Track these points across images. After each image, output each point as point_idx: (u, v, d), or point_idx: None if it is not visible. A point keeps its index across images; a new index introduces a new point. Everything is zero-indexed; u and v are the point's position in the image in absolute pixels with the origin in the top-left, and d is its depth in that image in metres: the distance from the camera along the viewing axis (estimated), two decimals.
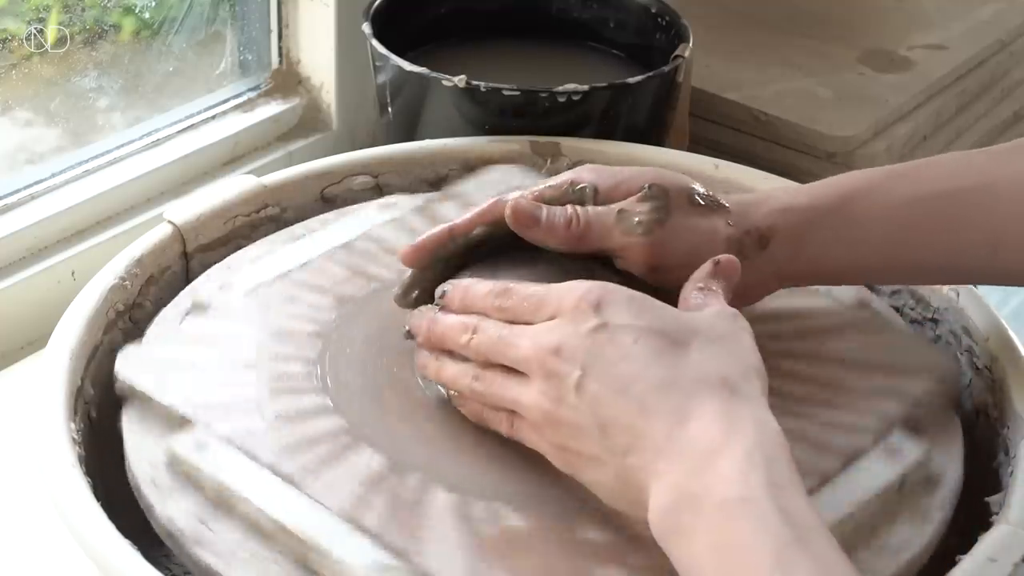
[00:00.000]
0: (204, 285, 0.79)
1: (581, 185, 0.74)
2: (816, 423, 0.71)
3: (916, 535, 0.67)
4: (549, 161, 0.93)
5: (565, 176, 0.75)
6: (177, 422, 0.70)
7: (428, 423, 0.70)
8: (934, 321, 0.82)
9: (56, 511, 0.66)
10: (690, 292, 0.68)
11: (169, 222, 0.83)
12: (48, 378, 0.72)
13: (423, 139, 0.95)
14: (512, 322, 0.66)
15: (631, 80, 0.95)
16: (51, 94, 0.99)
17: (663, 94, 0.99)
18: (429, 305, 0.71)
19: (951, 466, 0.71)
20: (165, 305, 0.78)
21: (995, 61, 1.27)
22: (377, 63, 0.99)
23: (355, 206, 0.87)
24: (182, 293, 0.79)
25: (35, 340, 0.88)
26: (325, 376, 0.73)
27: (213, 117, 1.06)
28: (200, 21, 1.06)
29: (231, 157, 1.07)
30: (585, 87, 0.94)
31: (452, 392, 0.69)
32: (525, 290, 0.67)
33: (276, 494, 0.65)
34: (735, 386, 0.61)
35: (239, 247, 0.84)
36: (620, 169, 0.75)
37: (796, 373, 0.74)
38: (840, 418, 0.72)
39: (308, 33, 1.09)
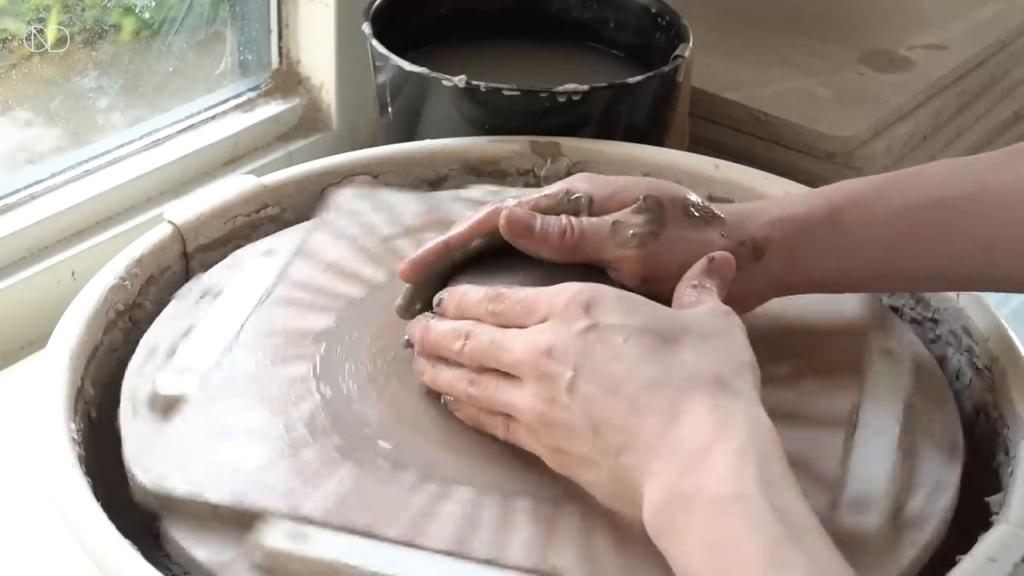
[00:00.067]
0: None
1: (576, 195, 0.73)
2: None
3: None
4: (549, 161, 0.93)
5: (560, 185, 0.75)
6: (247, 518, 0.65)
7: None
8: (934, 321, 0.82)
9: (56, 511, 0.66)
10: (684, 290, 0.68)
11: (169, 222, 0.83)
12: (48, 378, 0.72)
13: (423, 139, 0.95)
14: (505, 326, 0.66)
15: (631, 80, 0.95)
16: (51, 94, 0.99)
17: (663, 94, 0.99)
18: (427, 313, 0.72)
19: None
20: (165, 305, 0.78)
21: (995, 61, 1.27)
22: (377, 63, 0.99)
23: (238, 252, 0.83)
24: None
25: (35, 340, 0.88)
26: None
27: (213, 117, 1.06)
28: (200, 21, 1.06)
29: (231, 157, 1.07)
30: (585, 87, 0.93)
31: (449, 397, 0.69)
32: (517, 294, 0.67)
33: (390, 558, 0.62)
34: (727, 383, 0.61)
35: (239, 247, 0.84)
36: (615, 179, 0.75)
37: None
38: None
39: (308, 33, 1.09)
